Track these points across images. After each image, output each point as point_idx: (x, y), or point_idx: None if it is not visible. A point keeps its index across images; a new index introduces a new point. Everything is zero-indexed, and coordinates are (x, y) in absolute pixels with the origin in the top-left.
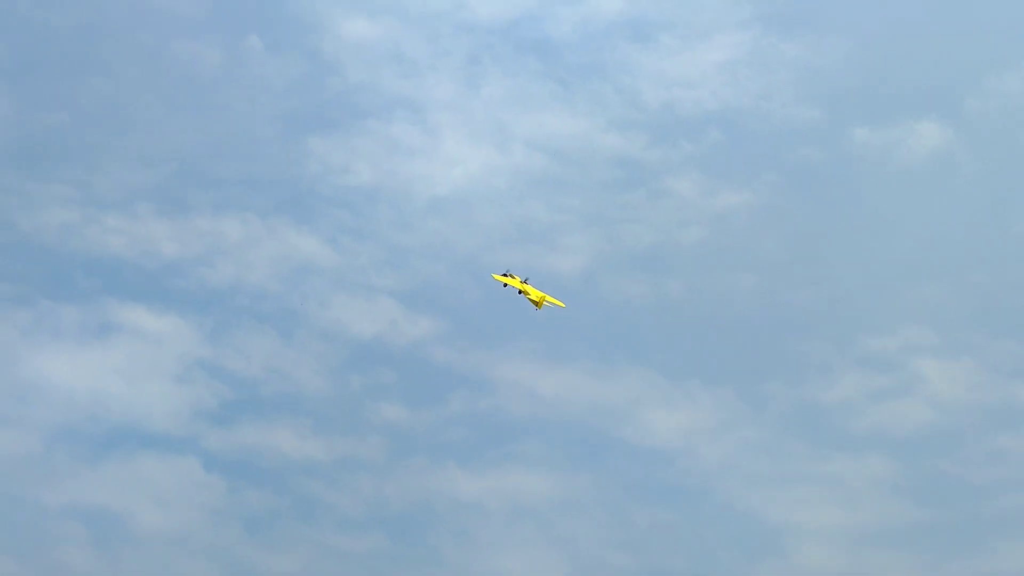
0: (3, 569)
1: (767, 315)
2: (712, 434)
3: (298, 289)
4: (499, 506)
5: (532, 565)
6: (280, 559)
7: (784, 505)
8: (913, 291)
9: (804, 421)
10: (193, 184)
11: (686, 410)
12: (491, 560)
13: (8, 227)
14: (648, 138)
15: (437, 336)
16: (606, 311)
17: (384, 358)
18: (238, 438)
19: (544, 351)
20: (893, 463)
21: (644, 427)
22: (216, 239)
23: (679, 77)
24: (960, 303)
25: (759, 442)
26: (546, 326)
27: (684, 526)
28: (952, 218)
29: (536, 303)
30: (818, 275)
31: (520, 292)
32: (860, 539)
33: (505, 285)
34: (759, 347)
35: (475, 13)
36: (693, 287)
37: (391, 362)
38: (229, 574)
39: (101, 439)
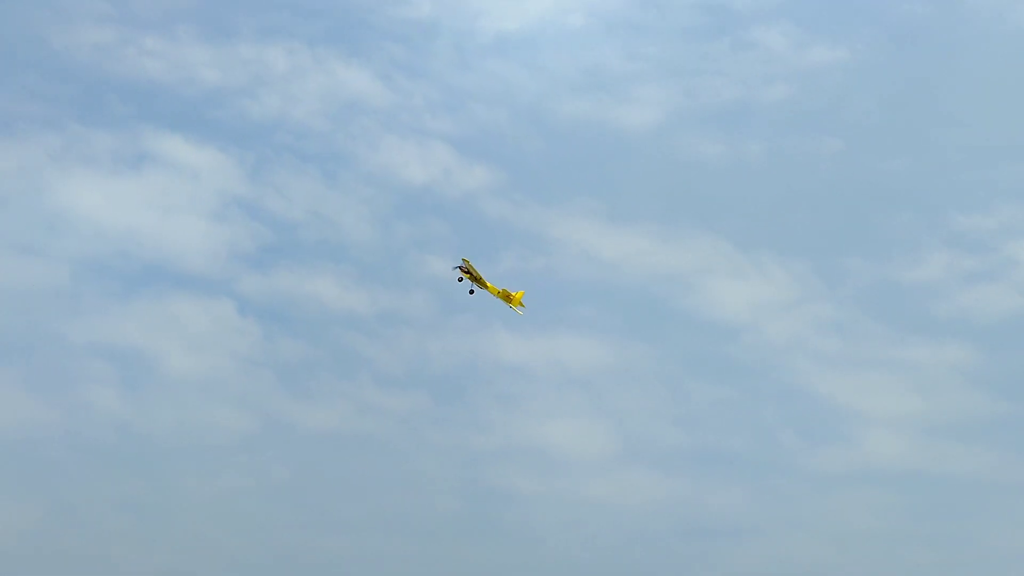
0: (27, 406)
1: (852, 184)
2: (782, 309)
3: (345, 128)
4: (547, 372)
5: (579, 436)
6: (315, 412)
7: (854, 389)
8: (1015, 167)
9: (883, 301)
10: (238, 7)
11: (755, 282)
12: (536, 427)
13: (39, 43)
14: None
15: (492, 188)
16: (677, 171)
17: (434, 208)
18: (276, 283)
19: (606, 211)
20: (976, 351)
21: (708, 298)
22: (260, 68)
23: None
24: None
25: (832, 321)
26: (611, 184)
27: (744, 405)
28: None
29: (507, 298)
30: (912, 144)
31: (473, 290)
32: (934, 430)
33: (460, 278)
34: (840, 218)
35: None
36: (773, 149)
37: (442, 212)
38: (261, 424)
39: (131, 276)
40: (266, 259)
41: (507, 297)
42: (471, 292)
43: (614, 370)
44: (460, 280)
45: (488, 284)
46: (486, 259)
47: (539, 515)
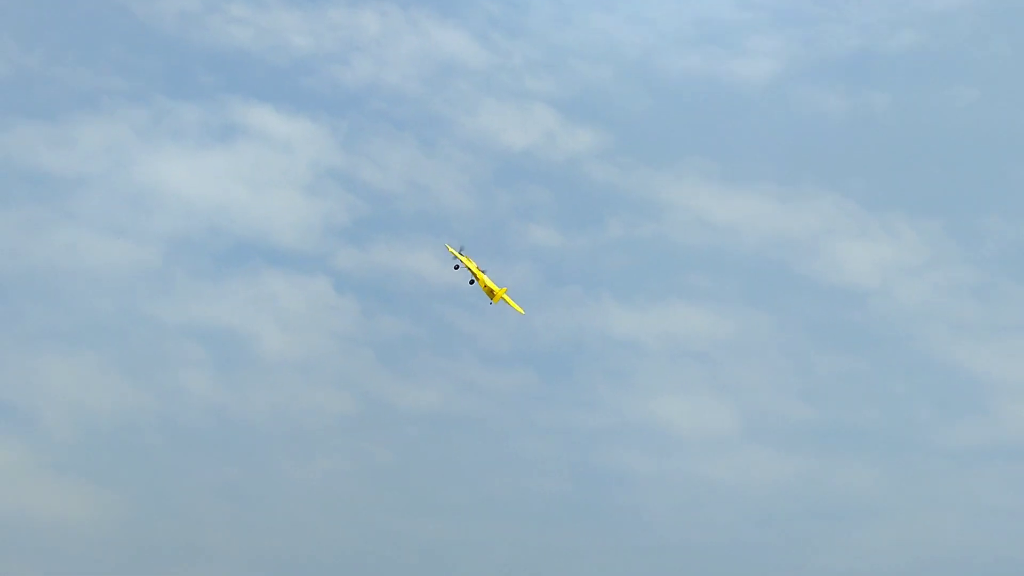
0: (120, 390)
1: (988, 136)
2: (913, 272)
3: (442, 92)
4: (660, 345)
5: (695, 413)
6: (416, 392)
7: (993, 357)
8: None
9: None
10: None
11: (884, 244)
12: (648, 404)
13: (122, 13)
14: None
15: (598, 151)
16: (796, 126)
17: (536, 174)
18: (373, 258)
19: (720, 172)
20: None
21: (833, 262)
22: (352, 33)
23: None
24: None
25: (969, 284)
26: (725, 143)
27: (874, 377)
28: None
29: (491, 294)
30: None
31: (473, 280)
32: None
33: (457, 267)
34: (976, 173)
35: None
36: (901, 101)
37: (544, 179)
38: (360, 406)
39: (223, 254)
40: (362, 233)
41: (491, 293)
42: (471, 282)
43: (732, 342)
44: (457, 268)
45: (480, 274)
46: (592, 226)
47: (653, 497)
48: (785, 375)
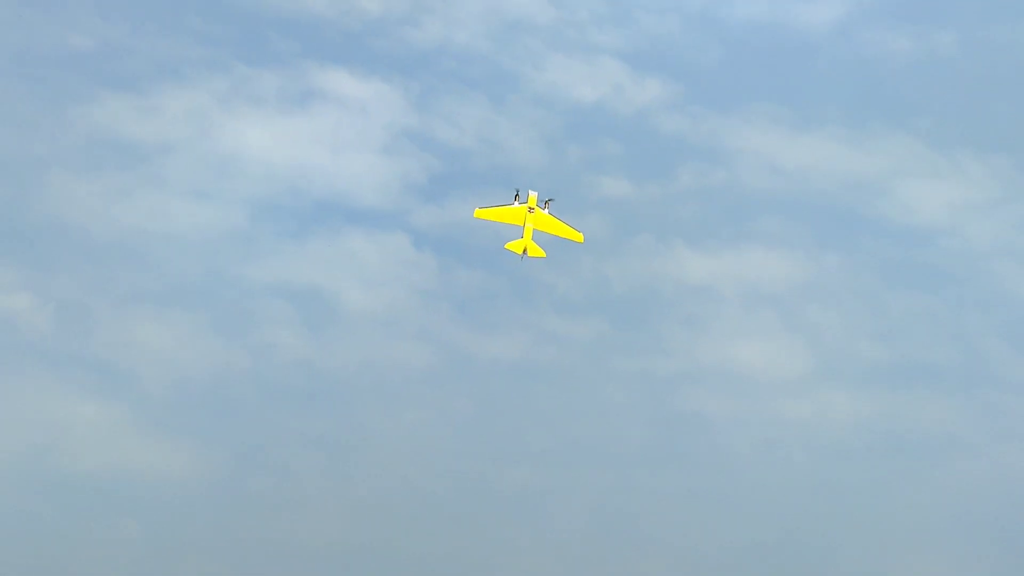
0: (212, 349)
1: None
2: (984, 210)
3: (509, 49)
4: (733, 290)
5: (771, 356)
6: (495, 343)
7: None
8: None
9: None
10: None
11: (954, 182)
12: (724, 349)
13: None
14: None
15: (667, 102)
16: (863, 68)
17: (607, 127)
18: (449, 214)
19: (788, 117)
20: None
21: (903, 202)
22: None
23: None
24: None
25: None
26: (792, 88)
27: (947, 314)
28: None
29: (523, 247)
30: None
31: (523, 251)
32: None
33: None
34: None
35: None
36: (968, 39)
37: (614, 131)
38: (441, 357)
39: (305, 214)
40: (438, 190)
41: (525, 248)
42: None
43: (805, 285)
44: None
45: (529, 236)
46: (663, 176)
47: (732, 439)
48: (859, 316)
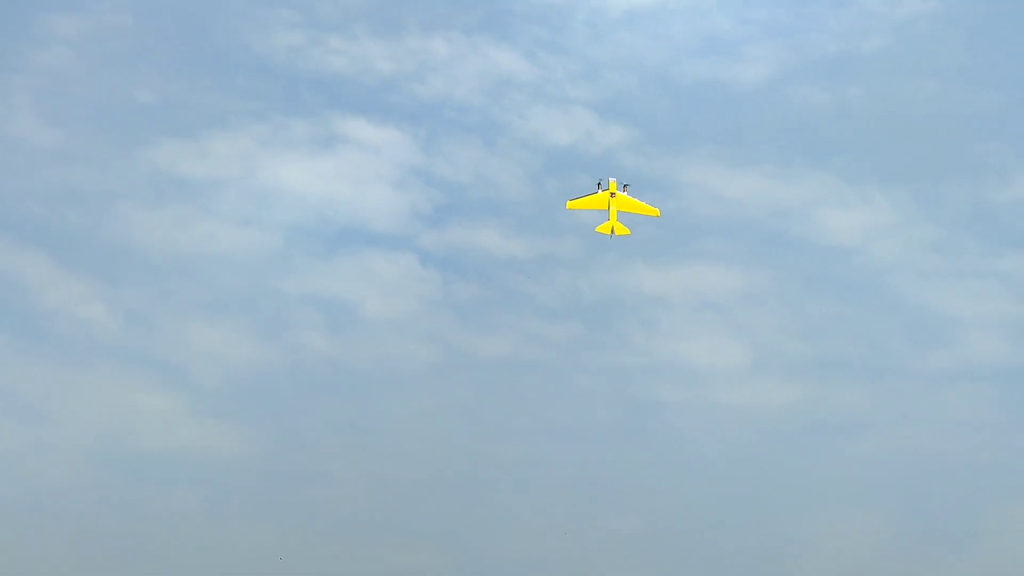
0: (253, 348)
1: (945, 120)
2: (887, 233)
3: (499, 102)
4: (683, 299)
5: (714, 352)
6: (488, 343)
7: (955, 299)
8: None
9: (978, 220)
10: (404, 5)
11: (862, 210)
12: (675, 347)
13: (243, 50)
14: None
15: (628, 144)
16: (788, 117)
17: (579, 164)
18: (449, 237)
19: (727, 156)
20: None
21: (821, 226)
22: (426, 57)
23: None
24: None
25: (933, 240)
26: (730, 133)
27: (857, 318)
28: None
29: (610, 228)
30: (999, 80)
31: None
32: None
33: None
34: (936, 150)
35: None
36: (873, 94)
37: (585, 168)
38: (445, 355)
39: (331, 237)
40: (441, 217)
41: (611, 228)
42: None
43: (741, 293)
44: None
45: (615, 217)
46: None
47: (681, 421)
48: (785, 319)
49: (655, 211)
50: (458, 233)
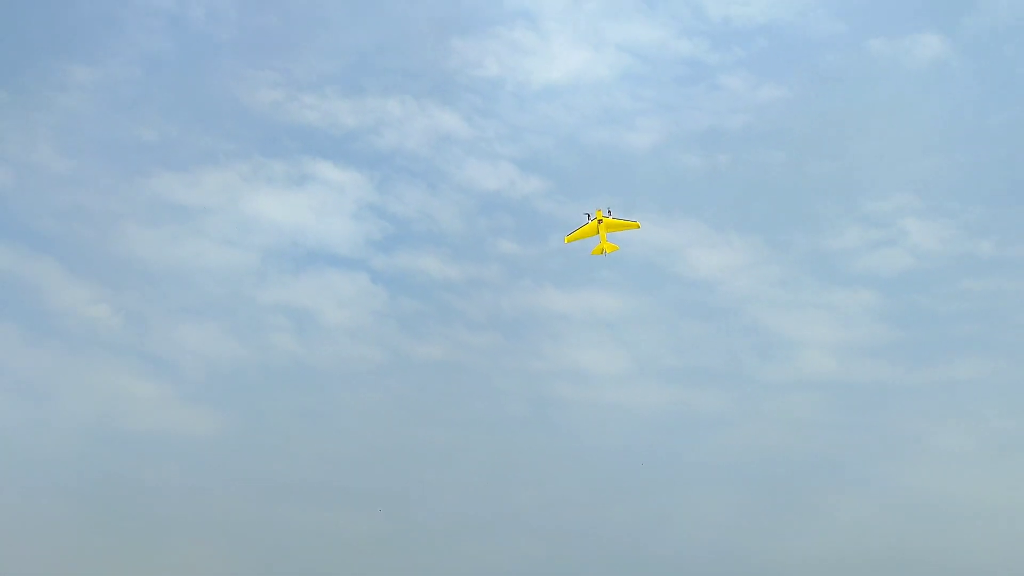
0: (231, 347)
1: (793, 182)
2: (744, 270)
3: (441, 154)
4: (583, 317)
5: (605, 360)
6: (425, 348)
7: (795, 324)
8: (906, 167)
9: (815, 263)
10: (366, 73)
11: (725, 252)
12: (575, 355)
13: (233, 101)
14: (710, 44)
15: (543, 192)
16: (669, 176)
17: (503, 207)
18: (397, 261)
19: (621, 205)
20: (880, 296)
21: (693, 264)
22: (383, 115)
23: None
24: (941, 177)
25: (779, 277)
26: (624, 187)
27: (719, 337)
28: (942, 111)
29: (601, 249)
30: (834, 153)
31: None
32: (851, 352)
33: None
34: (785, 206)
35: None
36: (737, 160)
37: (509, 210)
38: (389, 357)
39: (300, 258)
40: (390, 245)
41: (602, 250)
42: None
43: (629, 315)
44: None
45: (604, 239)
46: (539, 240)
47: (578, 416)
48: (661, 336)
49: (636, 224)
50: (404, 258)
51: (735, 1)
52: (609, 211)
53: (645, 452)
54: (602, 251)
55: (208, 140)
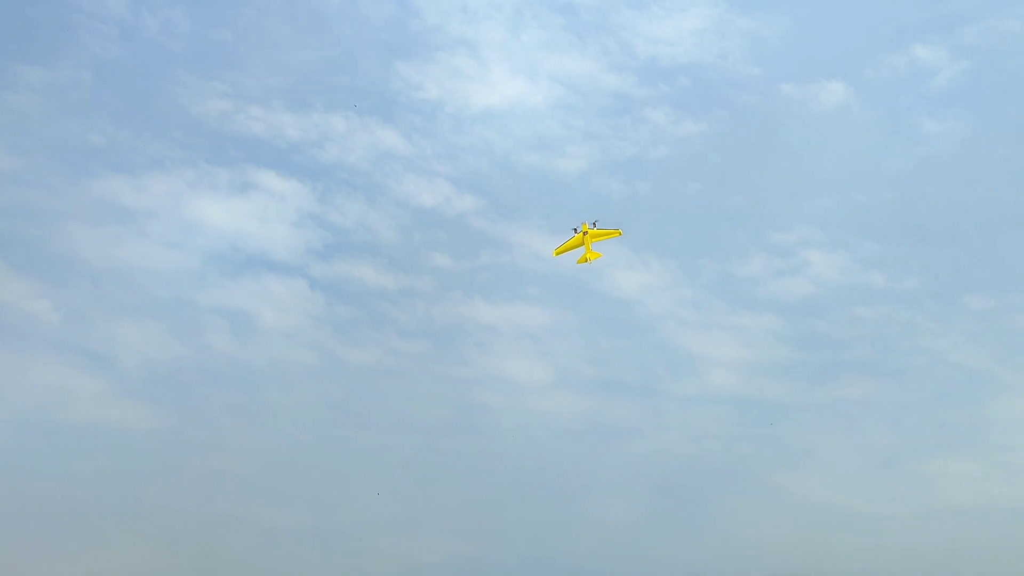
0: (172, 347)
1: (707, 211)
2: (659, 291)
3: (381, 169)
4: (509, 329)
5: (529, 370)
6: (359, 354)
7: (705, 343)
8: (810, 202)
9: (724, 287)
10: (312, 89)
11: (643, 273)
12: (501, 364)
13: (182, 110)
14: (636, 79)
15: (477, 210)
16: (595, 202)
17: (438, 222)
18: (334, 269)
19: (549, 226)
20: (782, 321)
21: (613, 283)
22: (326, 129)
23: (663, 37)
24: (841, 214)
25: (691, 299)
26: (552, 209)
27: (635, 352)
28: (843, 153)
29: (584, 258)
30: (745, 186)
31: (583, 257)
32: (755, 370)
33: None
34: (699, 233)
35: None
36: (657, 189)
37: (443, 225)
38: (323, 360)
39: (240, 262)
40: (328, 253)
41: (586, 258)
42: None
43: (551, 328)
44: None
45: (589, 248)
46: (471, 255)
47: (502, 421)
48: (582, 349)
49: (618, 232)
50: (341, 266)
51: (661, 41)
52: (595, 223)
53: (564, 456)
54: (587, 259)
55: (155, 146)
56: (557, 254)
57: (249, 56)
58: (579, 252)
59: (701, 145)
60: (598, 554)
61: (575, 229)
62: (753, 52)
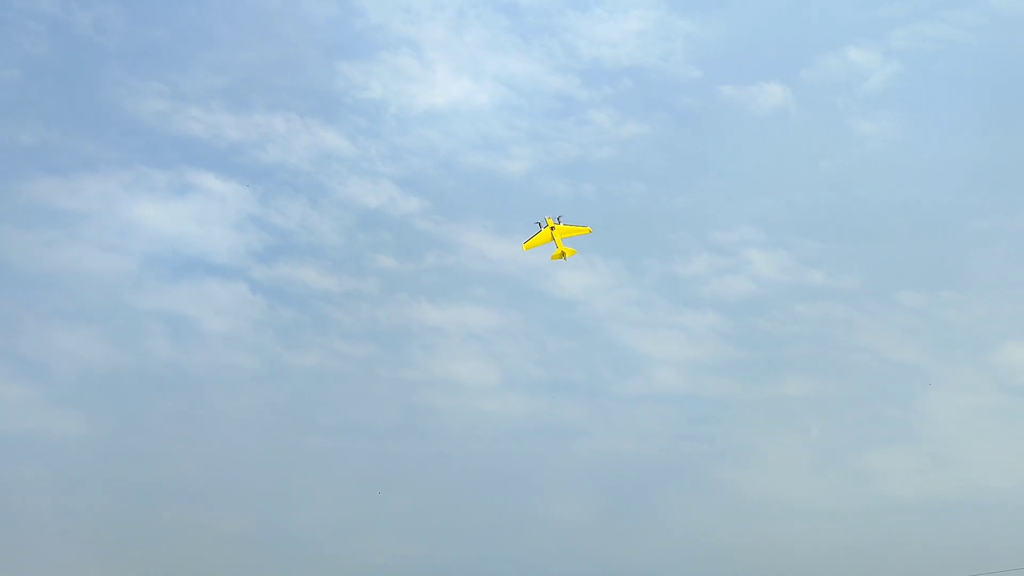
0: (108, 353)
1: (651, 212)
2: (604, 291)
3: (324, 170)
4: (455, 330)
5: (476, 372)
6: (302, 356)
7: (649, 342)
8: (751, 202)
9: (668, 287)
10: (253, 89)
11: (589, 273)
12: (447, 366)
13: (117, 110)
14: (580, 81)
15: (421, 211)
16: (539, 202)
17: (383, 223)
18: (276, 271)
19: (494, 227)
20: (725, 319)
21: (559, 284)
22: (268, 130)
23: (606, 39)
24: (781, 213)
25: (636, 299)
26: (497, 210)
27: (581, 352)
28: (782, 154)
29: (560, 253)
30: (688, 187)
31: (556, 253)
32: (698, 368)
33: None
34: (643, 234)
35: None
36: (602, 190)
37: (388, 226)
38: (266, 366)
39: (180, 266)
40: (270, 256)
41: (562, 255)
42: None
43: (499, 329)
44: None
45: (560, 244)
46: (416, 257)
47: (450, 423)
48: (528, 350)
49: (587, 229)
50: (283, 269)
51: (605, 43)
52: (559, 219)
53: (511, 457)
54: (562, 255)
55: (90, 147)
56: (527, 248)
57: (187, 55)
58: (550, 248)
59: (644, 146)
60: (548, 552)
61: (539, 224)
62: (694, 54)
